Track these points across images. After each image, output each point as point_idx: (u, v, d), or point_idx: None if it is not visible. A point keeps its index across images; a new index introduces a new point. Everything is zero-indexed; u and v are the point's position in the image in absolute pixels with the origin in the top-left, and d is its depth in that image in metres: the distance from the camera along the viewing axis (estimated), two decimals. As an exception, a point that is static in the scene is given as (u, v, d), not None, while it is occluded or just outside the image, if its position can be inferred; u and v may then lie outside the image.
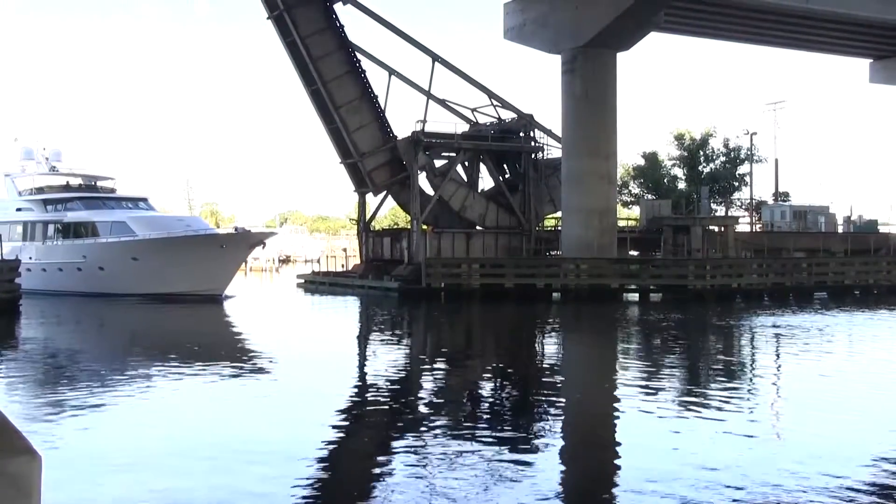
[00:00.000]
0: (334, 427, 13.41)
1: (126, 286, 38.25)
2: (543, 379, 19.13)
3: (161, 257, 37.88)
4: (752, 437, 12.20)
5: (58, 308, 36.05)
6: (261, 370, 19.16)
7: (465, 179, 49.56)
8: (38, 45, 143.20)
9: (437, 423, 13.42)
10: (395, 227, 65.23)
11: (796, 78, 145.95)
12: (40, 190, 44.92)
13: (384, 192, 48.58)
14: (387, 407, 15.18)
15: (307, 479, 10.12)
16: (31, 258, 42.05)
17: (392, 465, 10.81)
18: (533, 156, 48.90)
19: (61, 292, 39.90)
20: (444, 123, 48.22)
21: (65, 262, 41.00)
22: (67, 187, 44.61)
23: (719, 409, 14.30)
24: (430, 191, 47.44)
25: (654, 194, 66.28)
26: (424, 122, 46.93)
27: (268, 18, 45.80)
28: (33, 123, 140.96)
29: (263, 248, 45.13)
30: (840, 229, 59.53)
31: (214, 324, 32.15)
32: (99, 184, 45.64)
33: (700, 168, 70.77)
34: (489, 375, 19.74)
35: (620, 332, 30.24)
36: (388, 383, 17.94)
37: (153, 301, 36.86)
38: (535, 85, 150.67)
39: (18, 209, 44.51)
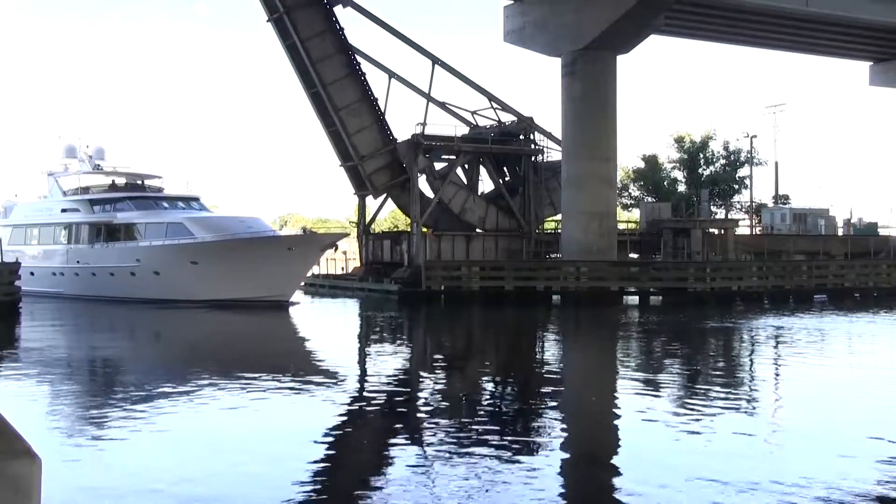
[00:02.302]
0: (334, 430, 13.40)
1: (184, 292, 35.91)
2: (544, 382, 19.09)
3: (223, 261, 35.28)
4: (750, 441, 12.20)
5: (110, 315, 34.31)
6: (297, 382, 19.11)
7: (465, 182, 49.59)
8: (33, 46, 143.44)
9: (437, 426, 13.41)
10: (395, 229, 65.24)
11: (796, 81, 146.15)
12: (86, 190, 42.97)
13: (384, 195, 48.61)
14: (386, 410, 15.16)
15: (306, 481, 10.10)
16: (78, 262, 40.48)
17: (392, 468, 10.80)
18: (533, 158, 48.93)
19: (112, 298, 37.84)
20: (444, 126, 48.31)
21: (116, 267, 38.50)
22: (114, 187, 42.58)
23: (719, 414, 14.31)
24: (430, 193, 47.47)
25: (653, 197, 66.28)
26: (424, 124, 46.96)
27: (268, 21, 45.83)
28: (38, 123, 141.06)
29: (335, 250, 41.76)
30: (840, 232, 59.55)
31: (279, 331, 30.42)
32: (146, 183, 43.44)
33: (700, 171, 70.78)
34: (489, 379, 19.73)
35: (620, 335, 30.22)
36: (388, 387, 17.93)
37: (214, 308, 34.63)
38: (534, 87, 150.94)
39: (63, 210, 42.53)
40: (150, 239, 37.92)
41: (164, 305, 35.54)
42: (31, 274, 42.66)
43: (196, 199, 41.92)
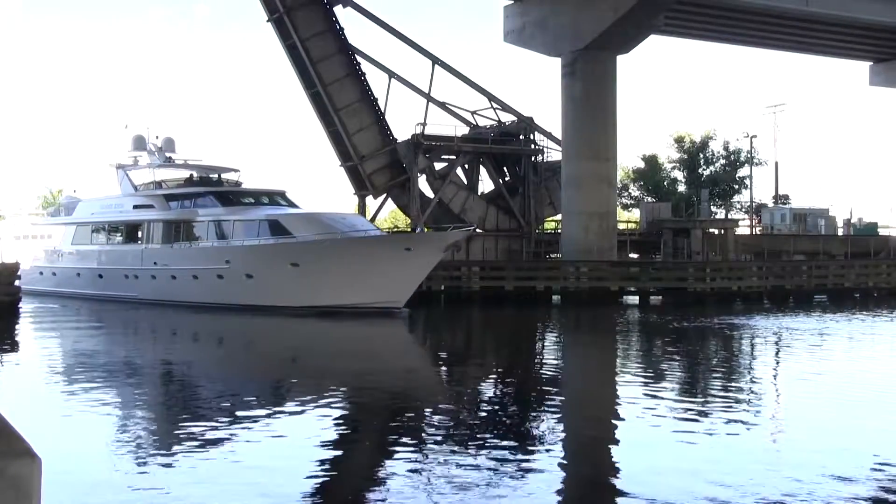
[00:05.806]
0: (332, 431, 13.39)
1: (282, 297, 32.36)
2: (544, 383, 19.08)
3: (329, 263, 31.60)
4: (750, 445, 12.19)
5: (198, 322, 31.91)
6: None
7: (465, 182, 49.59)
8: (25, 45, 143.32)
9: (437, 427, 13.40)
10: (395, 229, 65.22)
11: (796, 80, 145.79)
12: (159, 185, 39.93)
13: (384, 195, 48.58)
14: (386, 411, 15.15)
15: (305, 482, 10.10)
16: (154, 263, 37.04)
17: (391, 470, 10.78)
18: (533, 158, 48.93)
19: (195, 304, 34.55)
20: (444, 126, 48.28)
21: (201, 269, 34.87)
22: (191, 181, 39.34)
23: (719, 415, 14.30)
24: (429, 193, 47.47)
25: (653, 197, 66.29)
26: (424, 124, 46.95)
27: (268, 21, 45.79)
28: (42, 121, 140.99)
29: (458, 251, 38.12)
30: (840, 232, 59.53)
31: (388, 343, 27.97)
32: (223, 176, 40.01)
33: (700, 171, 70.82)
34: (489, 381, 19.71)
35: (621, 335, 30.21)
36: (387, 387, 17.91)
37: (316, 315, 31.23)
38: (534, 88, 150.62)
39: (136, 206, 39.37)
40: (240, 238, 34.37)
41: (257, 312, 32.42)
42: (100, 276, 40.01)
43: (282, 194, 38.08)
